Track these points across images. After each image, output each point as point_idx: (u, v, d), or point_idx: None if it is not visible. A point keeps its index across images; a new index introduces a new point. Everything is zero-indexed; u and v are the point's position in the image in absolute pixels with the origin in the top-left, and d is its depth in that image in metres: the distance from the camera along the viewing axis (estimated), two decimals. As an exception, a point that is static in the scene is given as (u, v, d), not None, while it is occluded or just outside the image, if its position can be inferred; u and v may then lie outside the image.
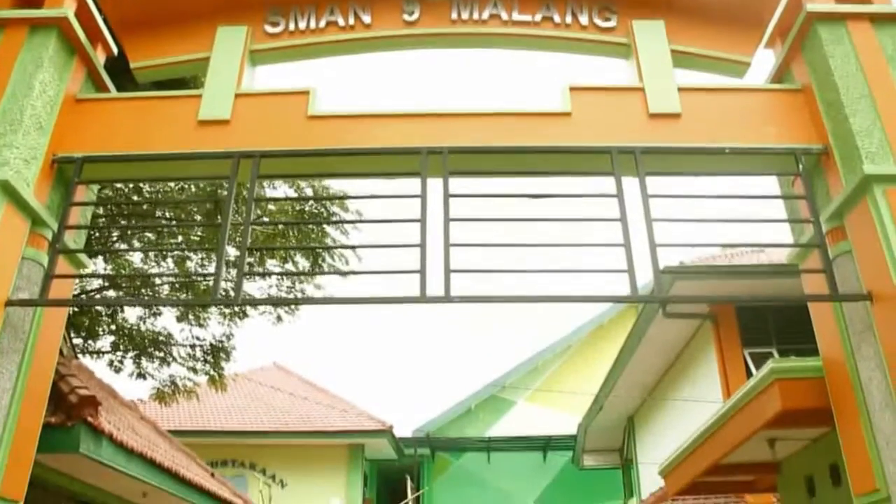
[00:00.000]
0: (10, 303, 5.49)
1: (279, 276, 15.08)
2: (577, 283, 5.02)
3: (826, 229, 5.83)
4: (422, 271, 5.41)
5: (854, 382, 5.38)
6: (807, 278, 6.06)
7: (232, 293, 15.34)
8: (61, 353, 7.89)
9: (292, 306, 16.09)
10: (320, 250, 13.31)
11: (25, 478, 5.49)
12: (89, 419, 6.68)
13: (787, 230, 6.58)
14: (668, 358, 17.67)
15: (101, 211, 12.49)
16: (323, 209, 13.36)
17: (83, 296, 14.67)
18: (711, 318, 14.94)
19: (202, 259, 14.58)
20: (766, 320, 13.32)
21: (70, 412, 6.69)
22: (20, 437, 5.39)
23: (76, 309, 14.50)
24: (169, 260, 15.06)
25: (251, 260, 13.41)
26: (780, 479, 8.85)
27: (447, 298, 5.34)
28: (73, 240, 6.29)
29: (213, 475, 10.91)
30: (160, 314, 15.35)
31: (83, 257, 6.32)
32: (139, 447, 7.41)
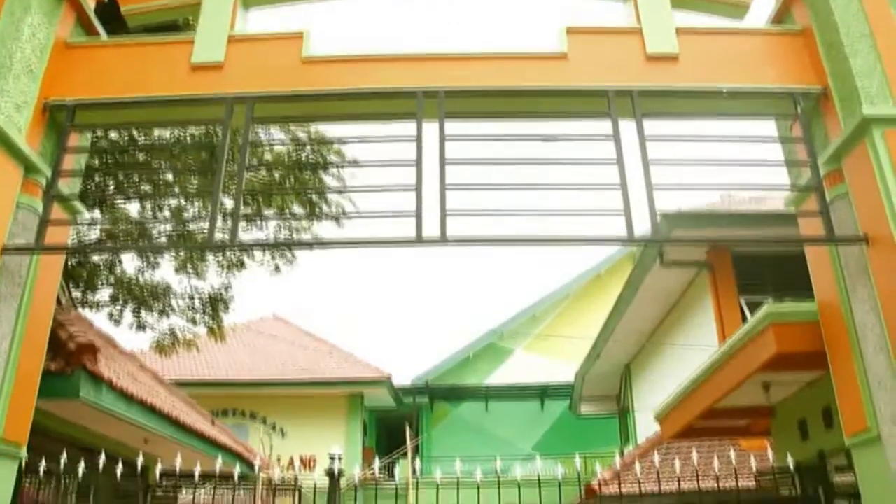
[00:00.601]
0: (6, 249, 5.48)
1: (276, 225, 15.08)
2: (573, 226, 5.01)
3: (823, 172, 5.80)
4: (417, 214, 5.38)
5: (848, 325, 5.40)
6: (804, 222, 6.05)
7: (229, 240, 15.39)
8: (60, 303, 7.92)
9: (289, 256, 16.10)
10: (316, 199, 13.26)
11: (28, 422, 5.53)
12: (88, 366, 6.73)
13: (785, 174, 6.55)
14: (664, 307, 17.76)
15: (96, 162, 12.42)
16: (319, 156, 13.30)
17: (77, 256, 14.66)
18: (708, 267, 14.98)
19: (199, 210, 14.54)
20: (762, 269, 13.37)
21: (69, 359, 6.73)
22: (21, 382, 5.42)
23: (74, 261, 14.51)
24: (166, 211, 15.04)
25: (248, 210, 13.37)
26: (774, 422, 8.95)
27: (443, 240, 5.32)
28: (68, 187, 6.26)
29: (213, 422, 11.03)
30: (158, 266, 15.36)
31: (78, 205, 6.30)
32: (139, 393, 7.47)
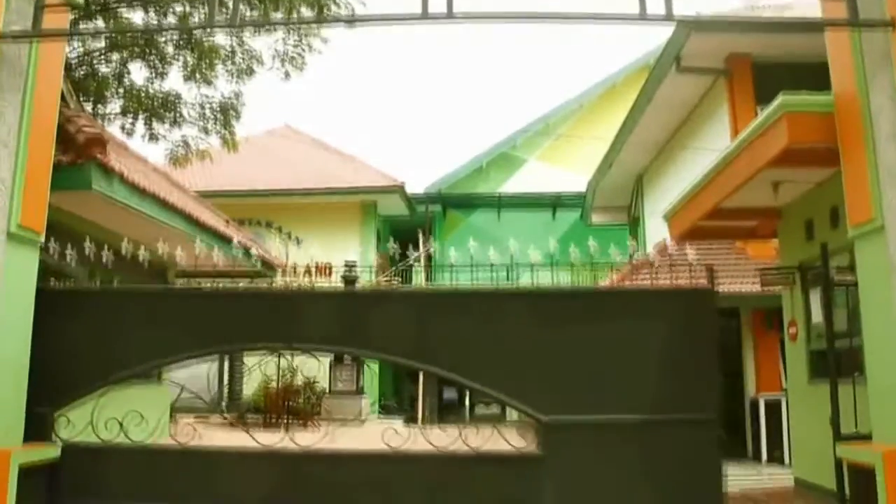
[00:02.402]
0: (2, 36, 5.36)
1: (285, 31, 14.72)
2: (584, 3, 4.79)
3: (852, -46, 5.48)
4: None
5: (863, 114, 5.30)
6: (827, 6, 5.79)
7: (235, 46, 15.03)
8: (68, 104, 7.86)
9: (299, 61, 15.81)
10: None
11: (43, 211, 5.64)
12: (99, 157, 6.76)
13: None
14: (679, 116, 17.50)
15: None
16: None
17: (86, 57, 14.41)
18: (726, 75, 14.61)
19: (204, 15, 14.10)
20: (781, 78, 12.95)
21: (80, 151, 6.76)
22: (33, 171, 5.48)
23: (82, 72, 14.30)
24: (171, 17, 14.65)
25: (255, 13, 12.96)
26: (781, 224, 9.02)
27: (449, 16, 5.10)
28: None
29: (227, 222, 11.23)
30: (167, 76, 15.16)
31: (77, -4, 6.06)
32: (152, 188, 7.55)
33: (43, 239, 5.60)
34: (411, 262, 25.76)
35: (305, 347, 5.76)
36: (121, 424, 5.33)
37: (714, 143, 14.05)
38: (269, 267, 12.47)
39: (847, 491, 5.47)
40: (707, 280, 5.62)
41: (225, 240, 9.09)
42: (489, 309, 5.62)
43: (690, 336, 5.41)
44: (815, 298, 7.76)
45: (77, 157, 6.75)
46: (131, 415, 5.42)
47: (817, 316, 7.72)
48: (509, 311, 5.61)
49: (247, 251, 9.65)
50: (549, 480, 5.20)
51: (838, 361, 6.02)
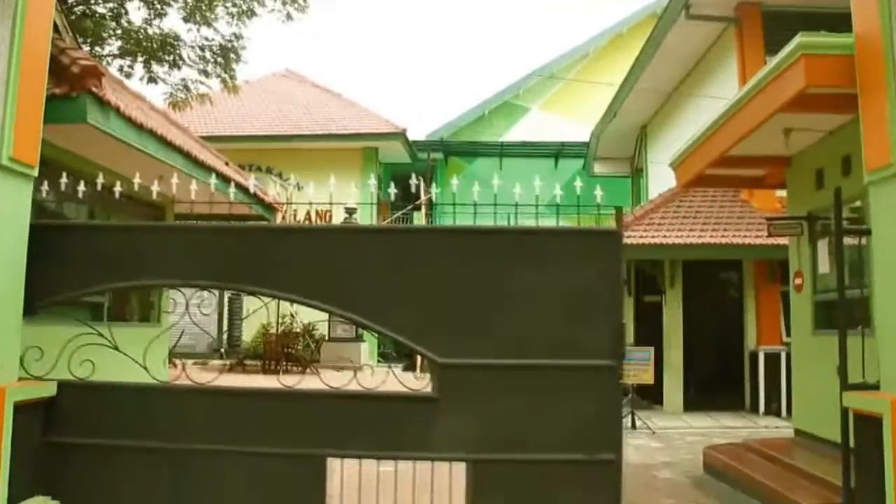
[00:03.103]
0: (-10, -40, 5.14)
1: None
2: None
3: None
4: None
5: (886, 56, 5.10)
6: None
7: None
8: (62, 38, 7.63)
9: (301, 2, 15.56)
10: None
11: (36, 144, 5.48)
12: (94, 89, 6.58)
13: None
14: (686, 65, 17.26)
15: None
16: None
17: (82, 7, 14.09)
18: (735, 23, 14.34)
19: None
20: (791, 27, 12.72)
21: (74, 82, 6.57)
22: (25, 102, 5.30)
23: (80, 11, 13.99)
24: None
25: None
26: (790, 172, 8.86)
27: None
28: None
29: (227, 163, 11.05)
30: (165, 15, 14.88)
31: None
32: (149, 124, 7.35)
33: (36, 173, 5.45)
34: (412, 207, 25.63)
35: (186, 284, 5.44)
36: (93, 364, 5.22)
37: (721, 92, 13.85)
38: (268, 209, 12.34)
39: (851, 441, 5.41)
40: (615, 221, 5.35)
41: (225, 180, 8.92)
42: (391, 250, 5.40)
43: (594, 280, 5.17)
44: (823, 248, 7.64)
45: (71, 88, 6.55)
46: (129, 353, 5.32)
47: (824, 266, 7.61)
48: (414, 252, 5.37)
49: (246, 191, 9.51)
50: (442, 421, 5.11)
51: (849, 308, 5.91)
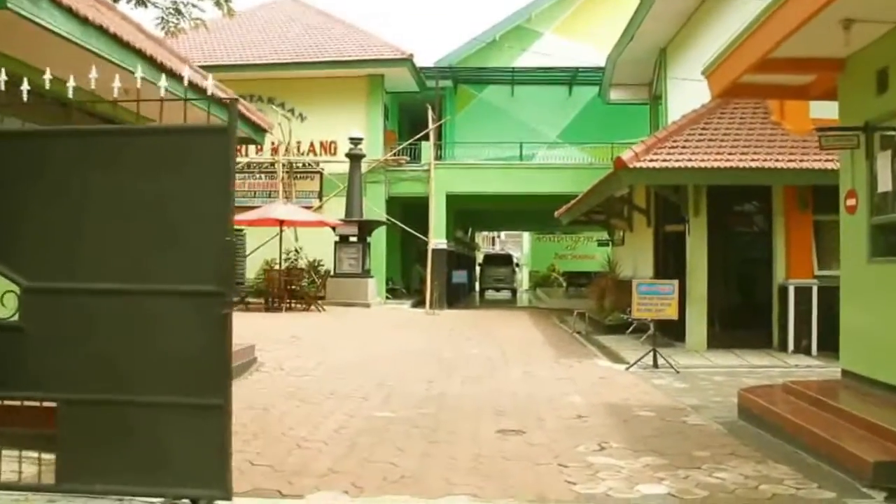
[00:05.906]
0: None
1: None
2: None
3: None
4: None
5: None
6: None
7: None
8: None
9: None
10: None
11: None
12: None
13: None
14: (712, -21, 15.96)
15: None
16: None
17: None
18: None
19: None
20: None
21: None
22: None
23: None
24: None
25: None
26: (843, 77, 7.73)
27: None
28: None
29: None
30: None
31: None
32: (100, 20, 6.28)
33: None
34: (420, 136, 24.60)
35: None
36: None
37: (753, 8, 12.62)
38: (258, 130, 11.32)
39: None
40: (228, 114, 4.36)
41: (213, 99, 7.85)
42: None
43: (194, 189, 4.21)
44: (885, 163, 6.61)
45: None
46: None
47: (885, 184, 6.60)
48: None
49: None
50: (28, 354, 4.26)
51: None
